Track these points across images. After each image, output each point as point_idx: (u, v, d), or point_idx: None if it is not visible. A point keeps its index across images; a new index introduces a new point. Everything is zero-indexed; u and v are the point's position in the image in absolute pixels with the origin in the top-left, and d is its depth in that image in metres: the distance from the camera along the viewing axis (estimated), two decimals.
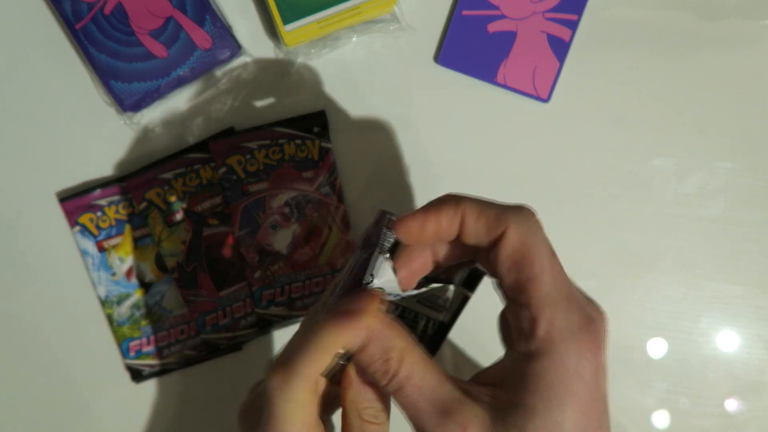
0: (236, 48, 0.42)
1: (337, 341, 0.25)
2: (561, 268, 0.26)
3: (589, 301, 0.26)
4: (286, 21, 0.41)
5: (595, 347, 0.24)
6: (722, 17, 0.43)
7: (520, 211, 0.26)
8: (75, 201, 0.43)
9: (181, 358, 0.45)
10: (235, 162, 0.42)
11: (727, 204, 0.44)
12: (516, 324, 0.26)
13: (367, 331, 0.26)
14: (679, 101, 0.44)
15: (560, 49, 0.43)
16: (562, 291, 0.25)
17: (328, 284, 0.44)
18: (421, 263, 0.29)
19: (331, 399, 0.28)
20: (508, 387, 0.25)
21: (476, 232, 0.26)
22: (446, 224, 0.27)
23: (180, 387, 0.46)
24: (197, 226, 0.43)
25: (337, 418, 0.29)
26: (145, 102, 0.42)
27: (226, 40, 0.41)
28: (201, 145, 0.43)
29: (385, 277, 0.27)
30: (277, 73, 0.44)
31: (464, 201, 0.27)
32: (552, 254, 0.26)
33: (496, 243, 0.26)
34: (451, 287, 0.31)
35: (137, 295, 0.44)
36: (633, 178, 0.44)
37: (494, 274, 0.27)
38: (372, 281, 0.26)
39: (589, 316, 0.25)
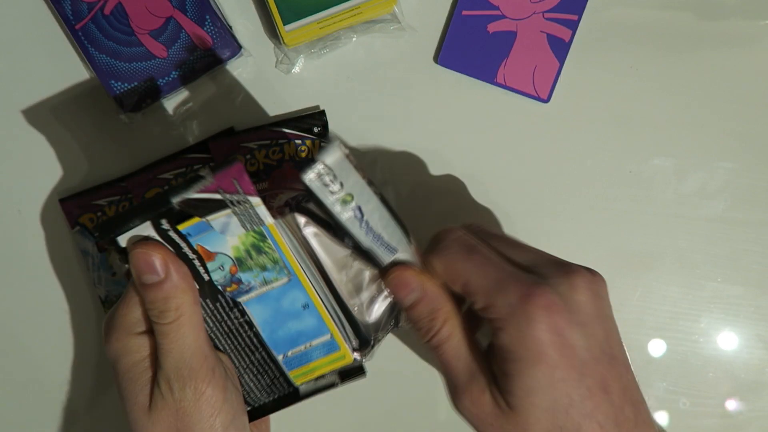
0: (236, 48, 0.42)
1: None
2: (484, 259, 0.30)
3: (536, 271, 0.30)
4: (286, 21, 0.41)
5: (543, 310, 0.27)
6: (722, 17, 0.43)
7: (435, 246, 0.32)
8: (75, 201, 0.43)
9: None
10: None
11: (727, 204, 0.44)
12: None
13: (422, 292, 0.30)
14: (679, 101, 0.44)
15: (560, 49, 0.43)
16: (490, 279, 0.29)
17: None
18: None
19: None
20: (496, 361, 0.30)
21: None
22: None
23: None
24: None
25: None
26: (145, 102, 0.42)
27: (226, 40, 0.41)
28: (201, 145, 0.43)
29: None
30: (277, 73, 0.44)
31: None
32: (468, 254, 0.30)
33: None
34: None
35: None
36: (633, 178, 0.44)
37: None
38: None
39: (527, 288, 0.28)
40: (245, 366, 0.32)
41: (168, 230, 0.27)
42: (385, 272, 0.31)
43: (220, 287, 0.29)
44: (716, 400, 0.45)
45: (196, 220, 0.27)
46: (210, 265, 0.29)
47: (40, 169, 0.44)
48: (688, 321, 0.45)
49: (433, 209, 0.44)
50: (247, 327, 0.31)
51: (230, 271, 0.29)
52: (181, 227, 0.27)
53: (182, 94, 0.43)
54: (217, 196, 0.27)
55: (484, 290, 0.29)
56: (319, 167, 0.26)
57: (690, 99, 0.44)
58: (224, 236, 0.28)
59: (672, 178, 0.44)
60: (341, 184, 0.27)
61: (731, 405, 0.45)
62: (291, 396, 0.34)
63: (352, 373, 0.34)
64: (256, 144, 0.42)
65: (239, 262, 0.29)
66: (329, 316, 0.31)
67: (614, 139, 0.44)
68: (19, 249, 0.45)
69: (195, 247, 0.28)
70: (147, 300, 0.29)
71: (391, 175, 0.44)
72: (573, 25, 0.42)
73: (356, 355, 0.33)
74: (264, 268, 0.29)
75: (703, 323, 0.45)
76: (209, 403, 0.30)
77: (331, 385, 0.34)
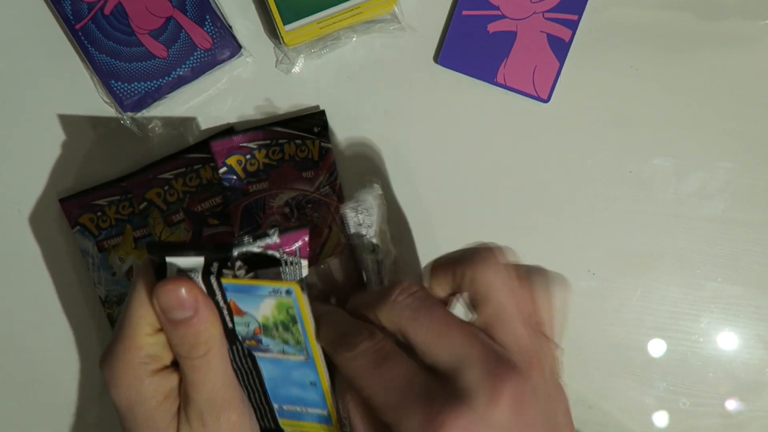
0: (236, 48, 0.42)
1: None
2: (393, 371, 0.27)
3: (458, 375, 0.27)
4: (286, 21, 0.41)
5: None
6: (722, 17, 0.43)
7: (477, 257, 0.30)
8: (75, 201, 0.43)
9: None
10: (235, 162, 0.42)
11: (727, 204, 0.44)
12: None
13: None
14: (679, 101, 0.44)
15: (560, 49, 0.43)
16: (395, 394, 0.27)
17: None
18: None
19: None
20: None
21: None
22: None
23: None
24: (197, 226, 0.43)
25: None
26: (145, 102, 0.42)
27: (226, 40, 0.41)
28: (201, 145, 0.43)
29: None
30: (277, 73, 0.44)
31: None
32: (376, 366, 0.27)
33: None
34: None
35: None
36: (633, 178, 0.44)
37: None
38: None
39: (435, 410, 0.26)
40: None
41: (212, 274, 0.28)
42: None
43: (240, 337, 0.30)
44: (716, 400, 0.45)
45: (241, 281, 0.28)
46: (236, 319, 0.29)
47: (40, 169, 0.44)
48: (688, 321, 0.45)
49: (432, 209, 0.44)
50: (254, 373, 0.31)
51: (254, 331, 0.29)
52: (224, 280, 0.28)
53: (182, 94, 0.43)
54: (276, 254, 0.28)
55: (387, 409, 0.26)
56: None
57: (690, 99, 0.44)
58: (258, 305, 0.28)
59: (672, 178, 0.44)
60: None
61: (731, 405, 0.45)
62: None
63: None
64: (256, 144, 0.43)
65: (264, 329, 0.29)
66: (332, 400, 0.31)
67: (614, 139, 0.44)
68: (19, 249, 0.45)
69: (228, 300, 0.28)
70: (175, 336, 0.28)
71: (391, 174, 0.44)
72: (573, 25, 0.42)
73: None
74: (286, 343, 0.29)
75: (703, 323, 0.45)
76: (240, 430, 0.29)
77: None
